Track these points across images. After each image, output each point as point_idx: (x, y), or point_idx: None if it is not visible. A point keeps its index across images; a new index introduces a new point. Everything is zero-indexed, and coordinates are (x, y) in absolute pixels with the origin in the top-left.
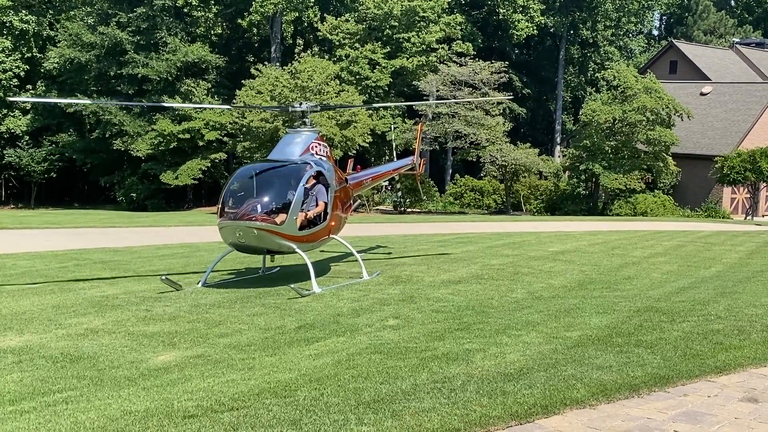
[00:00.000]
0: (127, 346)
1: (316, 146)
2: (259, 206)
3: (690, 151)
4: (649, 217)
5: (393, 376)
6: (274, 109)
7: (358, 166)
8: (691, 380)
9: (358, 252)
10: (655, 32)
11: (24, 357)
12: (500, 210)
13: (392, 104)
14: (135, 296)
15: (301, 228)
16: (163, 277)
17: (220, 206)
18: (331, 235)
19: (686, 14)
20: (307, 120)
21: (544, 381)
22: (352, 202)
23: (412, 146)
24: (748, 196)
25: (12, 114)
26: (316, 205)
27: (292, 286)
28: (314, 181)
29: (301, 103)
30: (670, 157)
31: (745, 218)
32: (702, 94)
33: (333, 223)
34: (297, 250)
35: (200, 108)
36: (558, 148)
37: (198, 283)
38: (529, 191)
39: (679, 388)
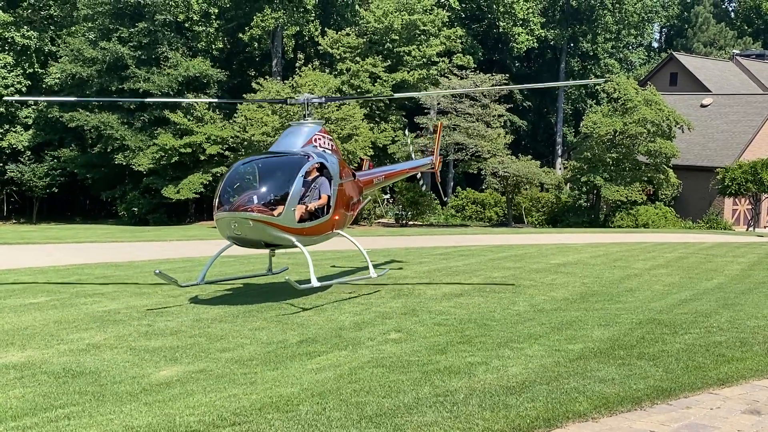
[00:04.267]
0: (129, 361)
1: (319, 138)
2: (255, 197)
3: (691, 162)
4: (650, 228)
5: (395, 390)
6: (277, 101)
7: (371, 164)
8: (693, 393)
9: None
10: (655, 44)
11: (26, 372)
12: (502, 222)
13: (396, 95)
14: (137, 311)
15: (301, 220)
16: (157, 271)
17: (216, 198)
18: (335, 230)
19: (686, 26)
20: (310, 113)
21: (546, 394)
22: (361, 198)
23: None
24: (750, 207)
25: (14, 129)
26: (318, 198)
27: (287, 278)
28: (316, 173)
29: (302, 95)
30: (671, 169)
31: (747, 229)
32: (702, 105)
33: (337, 218)
34: (296, 243)
35: (206, 102)
36: (559, 160)
37: (197, 280)
38: (531, 203)
39: (682, 400)
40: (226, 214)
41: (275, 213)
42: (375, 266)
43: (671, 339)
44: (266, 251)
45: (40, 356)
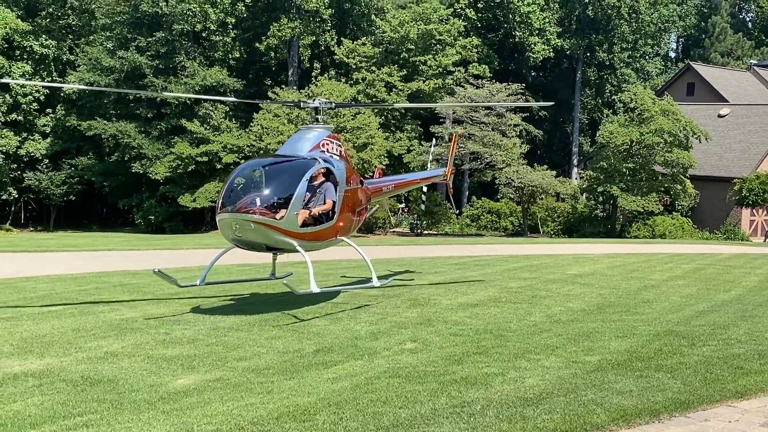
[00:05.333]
0: (147, 370)
1: (327, 143)
2: (258, 199)
3: (708, 173)
4: (667, 239)
5: (412, 401)
6: (290, 103)
7: (381, 172)
8: (711, 405)
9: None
10: (672, 54)
11: (45, 380)
12: (517, 232)
13: (409, 105)
14: (154, 319)
15: (304, 225)
16: (156, 270)
17: (219, 200)
18: (339, 236)
19: (703, 36)
20: (320, 117)
21: (563, 406)
22: (368, 206)
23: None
24: (767, 218)
25: (32, 137)
26: (323, 203)
27: (285, 281)
28: (322, 178)
29: (314, 99)
30: (688, 180)
31: (765, 240)
32: (720, 116)
33: (341, 224)
34: (298, 248)
35: (210, 100)
36: (575, 170)
37: (197, 281)
38: (547, 213)
39: (700, 413)
40: (227, 215)
41: (277, 216)
42: (381, 276)
43: (689, 351)
44: (279, 259)
45: (58, 364)
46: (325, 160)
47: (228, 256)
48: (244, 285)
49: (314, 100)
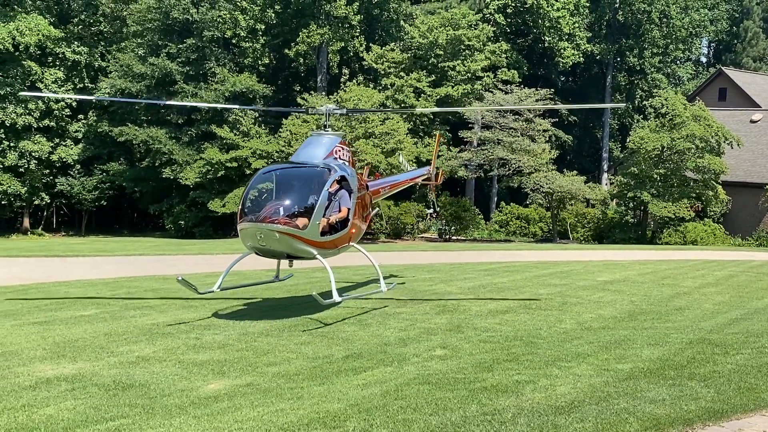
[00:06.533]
0: (178, 375)
1: (339, 150)
2: (281, 209)
3: (740, 179)
4: (699, 246)
5: (442, 408)
6: (298, 111)
7: (376, 174)
8: (745, 414)
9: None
10: (704, 59)
11: (77, 385)
12: (547, 238)
13: (426, 110)
14: (184, 324)
15: (323, 233)
16: (180, 278)
17: (240, 207)
18: (350, 243)
19: (735, 41)
20: (327, 124)
21: (595, 415)
22: (371, 210)
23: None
24: None
25: (64, 143)
26: (339, 211)
27: (314, 294)
28: (338, 186)
29: (323, 105)
30: (720, 185)
31: None
32: (752, 121)
33: (353, 231)
34: (317, 256)
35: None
36: (605, 175)
37: (214, 287)
38: (576, 219)
39: (734, 422)
40: (251, 225)
41: (301, 225)
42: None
43: (722, 359)
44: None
45: (90, 368)
46: (340, 168)
47: (248, 261)
48: (272, 291)
49: (323, 106)
